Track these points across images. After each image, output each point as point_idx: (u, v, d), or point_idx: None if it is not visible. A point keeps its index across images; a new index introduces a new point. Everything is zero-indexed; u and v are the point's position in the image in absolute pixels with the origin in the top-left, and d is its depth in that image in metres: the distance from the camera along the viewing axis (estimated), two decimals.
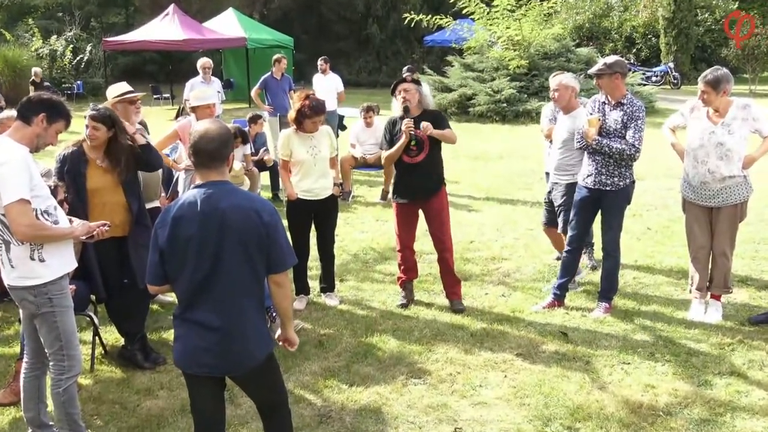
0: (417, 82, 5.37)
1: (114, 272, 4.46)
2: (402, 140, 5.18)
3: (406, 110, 5.17)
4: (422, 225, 5.49)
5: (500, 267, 6.43)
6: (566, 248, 5.34)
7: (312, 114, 5.16)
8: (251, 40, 22.35)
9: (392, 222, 5.51)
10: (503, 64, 17.92)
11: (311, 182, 5.27)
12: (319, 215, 5.42)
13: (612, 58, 5.03)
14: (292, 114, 5.25)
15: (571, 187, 5.41)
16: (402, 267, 5.53)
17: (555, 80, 5.54)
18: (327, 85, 11.23)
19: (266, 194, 9.41)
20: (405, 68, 10.71)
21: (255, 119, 9.26)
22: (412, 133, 5.13)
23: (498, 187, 9.85)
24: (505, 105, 16.94)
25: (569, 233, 5.31)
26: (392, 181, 5.50)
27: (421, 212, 5.41)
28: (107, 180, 4.32)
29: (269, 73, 11.07)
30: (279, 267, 2.84)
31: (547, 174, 6.22)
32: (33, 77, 18.09)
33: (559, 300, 5.39)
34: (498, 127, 16.35)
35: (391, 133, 5.33)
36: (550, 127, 5.98)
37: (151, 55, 28.78)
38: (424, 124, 5.07)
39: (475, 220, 8.10)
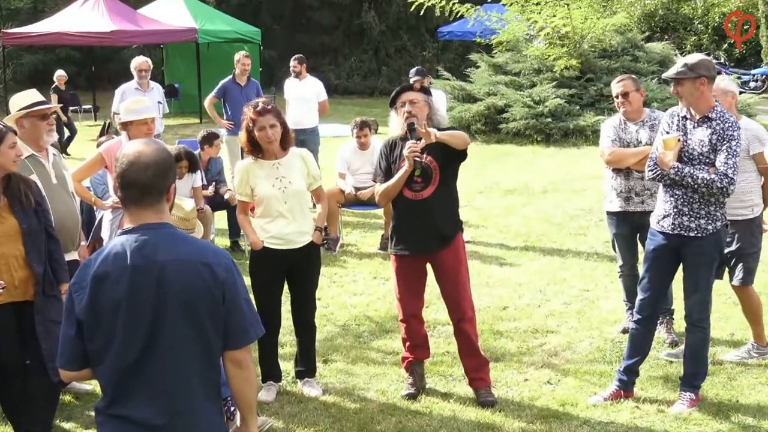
0: (426, 91, 5.44)
1: (11, 351, 4.46)
2: (403, 170, 5.18)
3: (412, 129, 5.17)
4: (434, 285, 5.51)
5: (545, 343, 6.43)
6: (636, 317, 5.36)
7: (259, 116, 5.12)
8: (204, 33, 22.70)
9: (393, 281, 5.53)
10: (547, 65, 18.17)
11: (282, 226, 5.29)
12: (295, 271, 5.43)
13: (695, 57, 5.11)
14: (242, 136, 5.27)
15: (745, 226, 5.67)
16: (408, 343, 5.53)
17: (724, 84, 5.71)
18: (304, 92, 11.42)
19: (222, 242, 9.44)
20: (413, 71, 10.84)
21: (209, 139, 9.36)
22: (418, 159, 5.13)
23: (541, 233, 9.90)
24: (549, 120, 17.12)
25: (639, 296, 5.33)
26: (394, 224, 5.51)
27: (429, 267, 5.42)
28: (5, 226, 4.37)
29: (229, 77, 11.27)
30: (239, 341, 2.86)
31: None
32: (56, 83, 18.70)
33: (626, 389, 5.38)
34: (540, 150, 16.49)
35: (388, 159, 5.35)
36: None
37: (67, 53, 29.12)
38: (425, 131, 5.04)
39: (509, 278, 8.12)
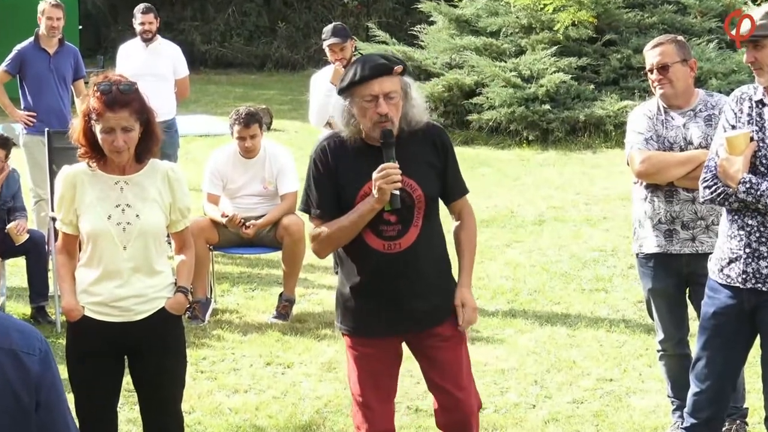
0: (404, 71, 5.12)
1: None
2: (368, 204, 4.96)
3: (388, 142, 4.95)
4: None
5: None
6: (688, 421, 5.43)
7: (107, 109, 4.94)
8: None
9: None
10: (542, 21, 18.49)
11: (115, 286, 5.20)
12: (138, 359, 5.37)
13: None
14: (76, 125, 5.11)
15: None
16: None
17: None
18: (153, 64, 11.57)
19: (19, 309, 9.28)
20: (328, 29, 10.82)
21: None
22: (396, 192, 4.91)
23: (535, 289, 9.98)
24: (547, 107, 17.43)
25: (693, 389, 5.39)
26: (348, 287, 5.27)
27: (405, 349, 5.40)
28: None
29: (29, 41, 11.24)
30: None
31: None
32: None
33: None
34: (533, 156, 16.82)
35: (337, 170, 5.10)
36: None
37: None
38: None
39: (487, 361, 8.11)
